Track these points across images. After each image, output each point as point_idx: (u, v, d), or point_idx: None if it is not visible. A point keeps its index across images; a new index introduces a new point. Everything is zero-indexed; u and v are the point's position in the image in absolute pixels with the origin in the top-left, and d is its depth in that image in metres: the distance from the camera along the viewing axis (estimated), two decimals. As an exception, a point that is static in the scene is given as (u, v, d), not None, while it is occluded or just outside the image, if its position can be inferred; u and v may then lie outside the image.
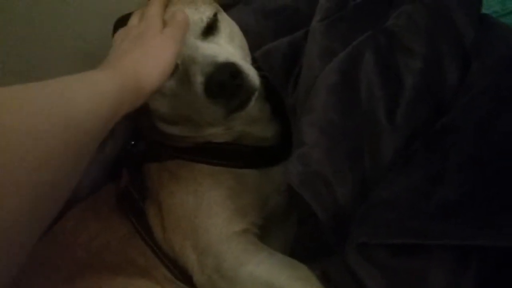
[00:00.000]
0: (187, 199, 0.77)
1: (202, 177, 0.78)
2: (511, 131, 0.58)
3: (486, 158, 0.57)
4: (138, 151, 0.88)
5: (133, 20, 0.75)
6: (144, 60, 0.62)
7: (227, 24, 0.78)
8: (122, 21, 0.80)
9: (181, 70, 0.71)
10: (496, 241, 0.50)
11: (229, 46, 0.74)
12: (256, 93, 0.70)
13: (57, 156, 0.42)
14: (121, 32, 0.73)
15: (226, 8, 0.85)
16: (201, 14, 0.74)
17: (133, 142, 0.87)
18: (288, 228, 0.85)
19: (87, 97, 0.49)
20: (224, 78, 0.64)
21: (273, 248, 0.74)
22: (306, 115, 0.68)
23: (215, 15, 0.75)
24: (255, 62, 0.79)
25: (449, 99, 0.67)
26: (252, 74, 0.68)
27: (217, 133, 0.82)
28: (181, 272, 0.76)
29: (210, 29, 0.74)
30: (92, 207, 0.86)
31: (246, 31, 0.82)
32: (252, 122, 0.83)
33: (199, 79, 0.66)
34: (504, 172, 0.55)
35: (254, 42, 0.81)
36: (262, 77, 0.72)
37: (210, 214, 0.75)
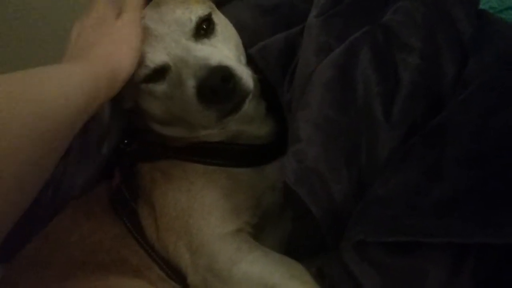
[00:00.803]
0: (180, 198, 0.76)
1: (195, 176, 0.77)
2: (508, 127, 0.57)
3: (484, 154, 0.57)
4: (131, 150, 0.87)
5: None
6: (113, 49, 0.63)
7: (222, 24, 0.77)
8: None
9: (173, 73, 0.70)
10: (493, 239, 0.50)
11: (223, 47, 0.73)
12: (250, 96, 0.69)
13: (25, 145, 0.42)
14: (76, 25, 0.71)
15: (222, 4, 0.84)
16: (190, 14, 0.72)
17: (126, 141, 0.86)
18: (283, 226, 0.84)
19: (60, 87, 0.49)
20: (217, 83, 0.63)
21: (268, 246, 0.73)
22: (301, 111, 0.67)
23: (209, 15, 0.74)
24: (250, 60, 0.78)
25: (446, 94, 0.66)
26: (245, 77, 0.67)
27: (211, 133, 0.81)
28: (174, 272, 0.75)
29: (203, 30, 0.73)
30: (85, 206, 0.85)
31: (242, 28, 0.81)
32: (247, 121, 0.82)
33: (191, 83, 0.65)
34: (502, 168, 0.55)
35: (250, 38, 0.80)
36: (257, 74, 0.71)
37: (203, 214, 0.74)
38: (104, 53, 0.61)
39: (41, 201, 0.96)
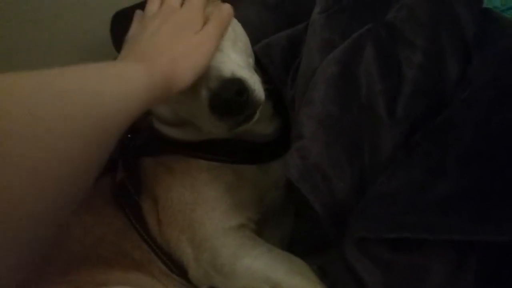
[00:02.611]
0: (183, 193, 0.77)
1: (198, 171, 0.78)
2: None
3: (487, 152, 0.57)
4: (134, 144, 0.87)
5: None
6: (182, 61, 0.58)
7: (231, 27, 0.74)
8: (120, 15, 0.78)
9: None
10: (497, 236, 0.50)
11: (232, 52, 0.71)
12: (261, 106, 0.68)
13: (76, 154, 0.38)
14: (147, 21, 0.66)
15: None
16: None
17: (129, 136, 0.86)
18: (286, 223, 0.85)
19: (115, 93, 0.44)
20: (230, 96, 0.62)
21: (270, 243, 0.73)
22: (305, 108, 0.67)
23: None
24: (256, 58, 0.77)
25: (449, 92, 0.66)
26: (257, 89, 0.65)
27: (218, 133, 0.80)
28: (176, 266, 0.76)
29: None
30: (87, 200, 0.85)
31: (246, 24, 0.79)
32: (255, 122, 0.82)
33: (203, 93, 0.64)
34: (505, 166, 0.55)
35: (254, 35, 0.80)
36: (264, 72, 0.71)
37: (206, 208, 0.75)
38: (171, 63, 0.56)
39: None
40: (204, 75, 0.63)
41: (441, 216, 0.54)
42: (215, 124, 0.65)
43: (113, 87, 0.45)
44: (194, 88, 0.64)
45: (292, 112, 0.74)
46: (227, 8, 0.68)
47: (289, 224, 0.85)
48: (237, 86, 0.62)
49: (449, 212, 0.54)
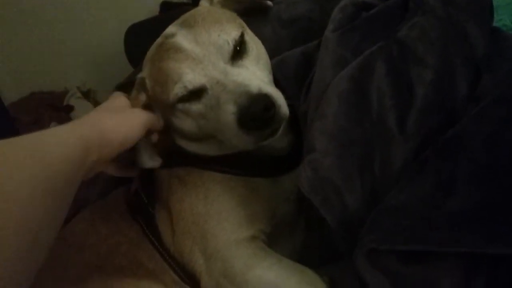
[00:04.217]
0: (197, 204, 0.78)
1: (212, 183, 0.79)
2: (521, 142, 0.58)
3: (496, 168, 0.58)
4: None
5: None
6: (109, 119, 0.68)
7: (253, 43, 0.76)
8: (134, 28, 0.81)
9: (210, 95, 0.70)
10: (507, 250, 0.50)
11: (256, 69, 0.73)
12: (285, 121, 0.69)
13: (39, 204, 0.46)
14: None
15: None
16: (227, 36, 0.72)
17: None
18: (296, 235, 0.85)
19: (57, 145, 0.54)
20: (259, 112, 0.64)
21: (282, 255, 0.74)
22: (317, 122, 0.69)
23: (242, 35, 0.74)
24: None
25: (459, 110, 0.67)
26: (283, 104, 0.67)
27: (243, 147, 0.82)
28: (189, 277, 0.77)
29: (237, 52, 0.72)
30: (102, 210, 0.87)
31: (263, 40, 0.82)
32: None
33: (231, 109, 0.65)
34: (514, 181, 0.56)
35: (270, 51, 0.81)
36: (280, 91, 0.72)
37: (219, 220, 0.76)
38: (97, 120, 0.67)
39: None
40: (230, 91, 0.66)
41: (451, 229, 0.54)
42: (241, 139, 0.67)
43: (52, 140, 0.55)
44: (220, 105, 0.67)
45: (304, 126, 0.75)
46: None
47: (300, 236, 0.85)
48: (264, 101, 0.64)
49: (460, 226, 0.54)
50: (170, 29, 0.77)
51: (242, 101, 0.64)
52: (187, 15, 0.78)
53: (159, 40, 0.78)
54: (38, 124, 1.90)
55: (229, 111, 0.65)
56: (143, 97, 0.79)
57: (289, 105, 0.69)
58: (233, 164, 0.80)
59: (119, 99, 0.77)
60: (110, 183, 0.96)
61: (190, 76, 0.70)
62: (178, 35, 0.73)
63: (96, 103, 1.54)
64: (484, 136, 0.60)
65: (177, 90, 0.70)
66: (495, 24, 0.76)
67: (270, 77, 0.77)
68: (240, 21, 0.80)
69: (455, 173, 0.58)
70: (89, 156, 0.60)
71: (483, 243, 0.51)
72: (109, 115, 0.70)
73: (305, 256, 0.82)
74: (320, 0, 0.89)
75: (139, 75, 0.80)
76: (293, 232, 0.85)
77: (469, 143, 0.60)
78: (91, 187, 0.97)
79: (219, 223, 0.75)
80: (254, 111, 0.64)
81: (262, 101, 0.64)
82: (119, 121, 0.69)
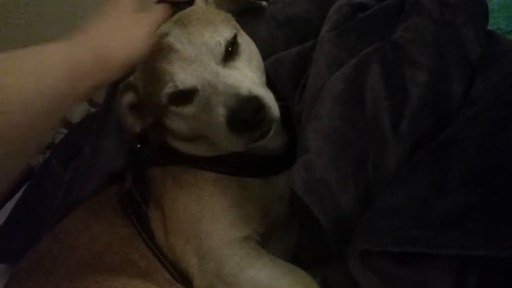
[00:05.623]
0: (190, 204, 0.78)
1: (205, 183, 0.79)
2: (513, 145, 0.58)
3: (489, 170, 0.58)
4: (143, 155, 0.88)
5: None
6: (110, 36, 0.60)
7: (246, 45, 0.76)
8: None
9: (201, 97, 0.70)
10: (498, 252, 0.50)
11: (247, 70, 0.73)
12: (276, 123, 0.70)
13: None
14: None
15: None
16: (220, 37, 0.72)
17: (138, 146, 0.88)
18: (289, 235, 0.85)
19: (33, 74, 0.48)
20: (248, 114, 0.64)
21: (275, 255, 0.74)
22: (311, 122, 0.69)
23: (235, 36, 0.73)
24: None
25: (453, 112, 0.67)
26: (273, 106, 0.68)
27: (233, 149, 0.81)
28: (181, 276, 0.76)
29: (229, 53, 0.72)
30: (94, 208, 0.87)
31: (257, 40, 0.81)
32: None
33: (221, 111, 0.65)
34: (506, 184, 0.56)
35: (265, 51, 0.81)
36: (272, 88, 0.72)
37: (212, 220, 0.75)
38: (95, 37, 0.58)
39: (51, 204, 0.98)
40: (221, 93, 0.66)
41: (444, 231, 0.54)
42: (232, 140, 0.67)
43: (28, 67, 0.48)
44: (211, 107, 0.67)
45: (298, 126, 0.75)
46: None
47: (293, 237, 0.85)
48: (254, 104, 0.64)
49: (452, 228, 0.54)
50: (164, 27, 0.76)
51: (232, 103, 0.65)
52: (181, 13, 0.78)
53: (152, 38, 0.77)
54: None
55: (219, 113, 0.66)
56: (134, 97, 0.80)
57: (283, 106, 0.69)
58: (226, 164, 0.80)
59: (124, 1, 0.68)
60: (104, 180, 0.95)
61: (182, 76, 0.70)
62: (171, 35, 0.73)
63: (91, 101, 1.53)
64: (477, 139, 0.60)
65: (168, 89, 0.71)
66: (490, 27, 0.76)
67: (263, 78, 0.77)
68: (234, 22, 0.79)
69: (448, 174, 0.59)
70: (82, 82, 0.54)
71: (474, 244, 0.51)
72: (110, 29, 0.61)
73: (298, 256, 0.82)
74: (317, 1, 0.89)
75: (132, 75, 0.80)
76: (287, 233, 0.85)
77: (462, 145, 0.60)
78: (85, 184, 0.96)
79: (212, 223, 0.75)
80: (244, 113, 0.64)
81: (252, 104, 0.64)
82: (122, 37, 0.61)
